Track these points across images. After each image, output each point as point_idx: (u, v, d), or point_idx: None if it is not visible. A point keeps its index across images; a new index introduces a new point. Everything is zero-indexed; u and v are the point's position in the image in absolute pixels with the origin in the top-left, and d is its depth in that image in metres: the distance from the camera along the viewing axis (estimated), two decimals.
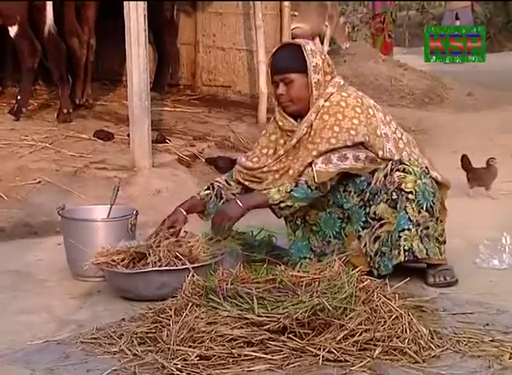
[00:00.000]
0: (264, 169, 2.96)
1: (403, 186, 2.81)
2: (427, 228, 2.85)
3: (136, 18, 4.29)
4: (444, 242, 2.93)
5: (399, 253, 2.82)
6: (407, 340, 2.20)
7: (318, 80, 2.87)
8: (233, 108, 6.41)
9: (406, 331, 2.23)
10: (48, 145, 4.68)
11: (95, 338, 2.36)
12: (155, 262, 2.69)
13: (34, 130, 5.04)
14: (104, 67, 6.85)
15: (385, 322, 2.25)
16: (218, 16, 6.83)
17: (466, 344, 2.26)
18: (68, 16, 5.60)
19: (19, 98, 5.30)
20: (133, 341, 2.28)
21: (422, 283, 2.87)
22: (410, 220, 2.81)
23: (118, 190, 3.15)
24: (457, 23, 9.73)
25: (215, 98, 6.81)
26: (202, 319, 2.24)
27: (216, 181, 3.11)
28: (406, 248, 2.82)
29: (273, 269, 2.52)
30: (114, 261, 2.74)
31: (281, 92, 2.90)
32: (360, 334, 2.19)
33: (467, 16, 9.78)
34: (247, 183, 3.02)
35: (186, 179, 4.49)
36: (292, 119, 2.94)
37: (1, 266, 3.17)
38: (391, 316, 2.28)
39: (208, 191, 3.04)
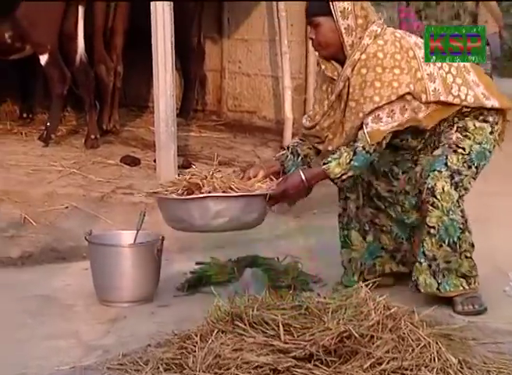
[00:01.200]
0: (317, 127, 2.92)
1: (427, 220, 2.81)
2: (448, 262, 2.82)
3: (163, 45, 4.35)
4: (473, 276, 2.87)
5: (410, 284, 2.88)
6: (435, 369, 2.17)
7: (348, 25, 2.76)
8: (258, 133, 6.43)
9: (434, 360, 2.20)
10: (75, 171, 4.74)
11: (121, 364, 2.36)
12: (209, 192, 2.59)
13: (62, 155, 5.11)
14: (131, 93, 6.94)
15: (412, 350, 2.22)
16: (244, 42, 6.89)
17: None
18: (97, 44, 5.69)
19: (48, 124, 5.39)
20: (158, 367, 2.28)
21: (450, 311, 2.84)
22: (425, 254, 2.82)
23: (144, 215, 3.17)
24: (487, 48, 9.79)
25: (241, 123, 6.85)
26: (228, 345, 2.24)
27: (291, 142, 3.09)
28: (413, 279, 2.85)
29: (299, 296, 2.51)
30: (167, 191, 2.67)
31: (310, 36, 2.88)
32: (387, 363, 2.17)
33: (494, 42, 9.80)
34: (314, 143, 2.97)
35: None
36: (334, 63, 2.84)
37: (29, 291, 3.19)
38: (419, 344, 2.25)
39: (284, 151, 2.99)
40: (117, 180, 4.67)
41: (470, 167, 2.84)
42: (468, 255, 2.86)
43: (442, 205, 2.78)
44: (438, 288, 2.83)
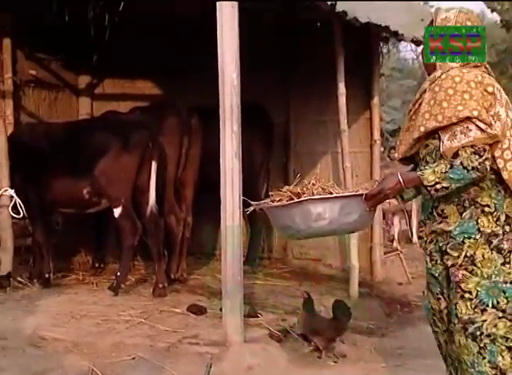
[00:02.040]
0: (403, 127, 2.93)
1: (462, 285, 2.70)
2: (495, 326, 2.64)
3: (231, 196, 4.48)
4: None
5: None
6: None
7: None
8: (324, 281, 6.40)
9: None
10: (143, 320, 4.78)
11: None
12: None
13: (131, 305, 5.19)
14: (198, 241, 7.08)
15: None
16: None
17: None
18: (168, 196, 5.93)
19: (118, 274, 5.53)
20: None
21: None
22: (457, 317, 2.70)
23: (211, 367, 3.15)
24: None
25: (306, 271, 6.85)
26: None
27: None
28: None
29: None
30: (273, 201, 2.87)
31: None
32: None
33: None
34: None
35: (277, 355, 4.42)
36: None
37: None
38: None
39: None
40: (183, 329, 4.67)
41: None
42: None
43: (481, 272, 2.68)
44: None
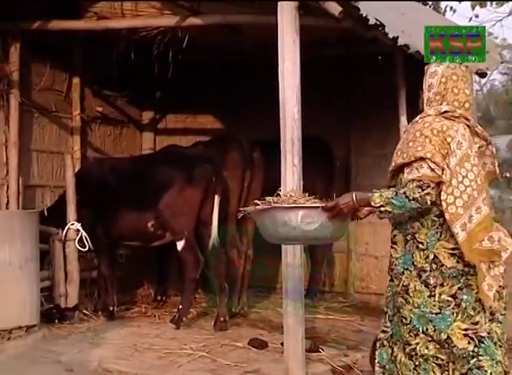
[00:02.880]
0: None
1: (401, 311, 3.02)
2: (426, 348, 2.94)
3: None
4: None
5: None
6: None
7: (429, 97, 3.15)
8: None
9: None
10: (205, 354, 4.79)
11: None
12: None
13: (193, 338, 5.22)
14: (259, 274, 7.07)
15: None
16: (371, 225, 6.98)
17: None
18: (230, 229, 5.97)
19: (180, 307, 5.57)
20: None
21: None
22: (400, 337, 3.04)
23: None
24: None
25: (368, 305, 6.75)
26: None
27: None
28: None
29: None
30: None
31: None
32: None
33: None
34: None
35: None
36: None
37: None
38: None
39: None
40: (245, 363, 4.66)
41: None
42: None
43: (413, 301, 2.98)
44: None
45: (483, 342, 2.94)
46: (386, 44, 5.03)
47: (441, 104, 3.10)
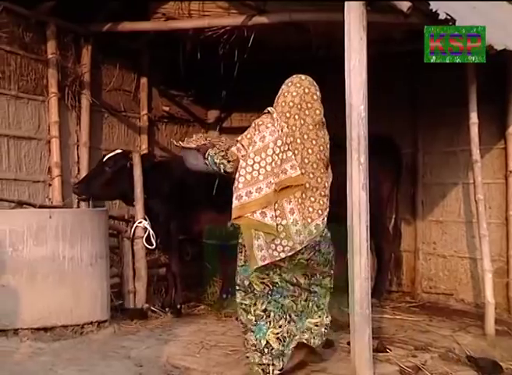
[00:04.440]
0: None
1: None
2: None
3: (358, 230, 4.43)
4: None
5: None
6: None
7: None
8: (457, 317, 6.15)
9: None
10: None
11: None
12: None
13: None
14: None
15: None
16: (439, 224, 6.86)
17: None
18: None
19: None
20: None
21: None
22: None
23: None
24: None
25: (436, 305, 6.63)
26: None
27: None
28: None
29: None
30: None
31: None
32: None
33: None
34: None
35: None
36: None
37: None
38: None
39: None
40: (311, 362, 4.63)
41: None
42: None
43: None
44: None
45: (275, 285, 4.11)
46: None
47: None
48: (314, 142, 4.09)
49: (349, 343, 4.58)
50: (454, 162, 6.76)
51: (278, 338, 4.12)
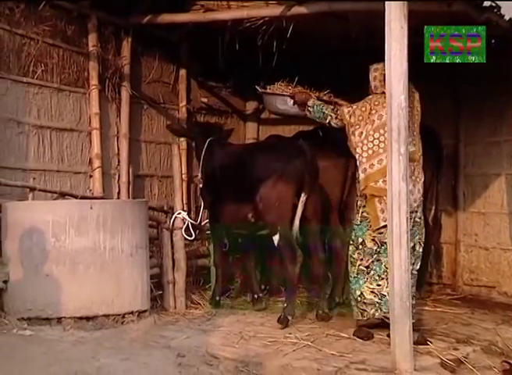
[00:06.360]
0: None
1: None
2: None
3: (398, 221, 4.38)
4: None
5: None
6: None
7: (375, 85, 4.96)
8: (499, 310, 6.06)
9: None
10: (310, 343, 4.79)
11: None
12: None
13: (297, 327, 5.24)
14: None
15: None
16: (481, 215, 6.76)
17: None
18: (333, 219, 5.94)
19: (285, 305, 5.40)
20: None
21: None
22: None
23: None
24: None
25: (478, 298, 6.56)
26: None
27: None
28: None
29: None
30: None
31: None
32: None
33: None
34: None
35: None
36: None
37: None
38: None
39: None
40: (350, 354, 4.62)
41: None
42: None
43: None
44: None
45: (383, 245, 4.69)
46: (501, 27, 4.82)
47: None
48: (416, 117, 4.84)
49: (389, 335, 4.55)
50: (497, 153, 6.65)
51: (372, 292, 4.89)
